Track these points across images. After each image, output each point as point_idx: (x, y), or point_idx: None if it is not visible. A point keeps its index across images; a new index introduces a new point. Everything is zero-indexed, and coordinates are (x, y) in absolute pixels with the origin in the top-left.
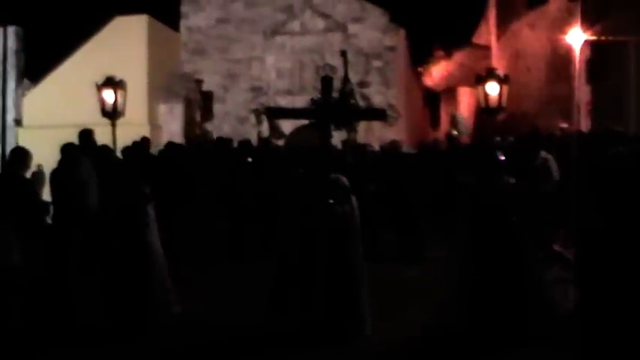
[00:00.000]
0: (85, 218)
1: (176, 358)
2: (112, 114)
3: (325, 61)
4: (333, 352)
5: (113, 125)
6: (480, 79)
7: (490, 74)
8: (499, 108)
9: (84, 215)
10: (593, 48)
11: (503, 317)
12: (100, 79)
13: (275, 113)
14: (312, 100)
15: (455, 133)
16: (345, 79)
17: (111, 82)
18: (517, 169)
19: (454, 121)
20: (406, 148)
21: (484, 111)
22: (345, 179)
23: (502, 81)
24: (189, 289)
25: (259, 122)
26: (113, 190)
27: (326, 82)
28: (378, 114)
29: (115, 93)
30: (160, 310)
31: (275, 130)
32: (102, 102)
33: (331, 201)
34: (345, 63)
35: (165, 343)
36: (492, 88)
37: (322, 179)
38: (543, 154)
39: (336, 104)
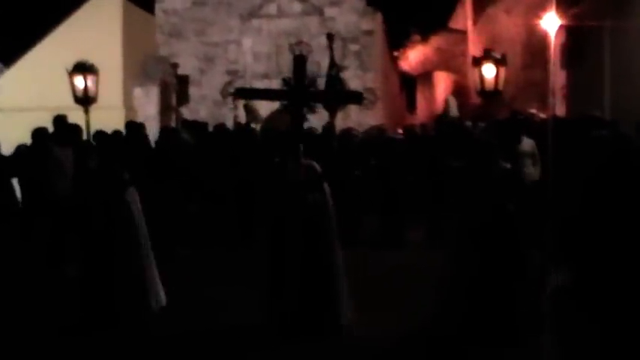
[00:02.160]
0: (53, 206)
1: (148, 352)
2: (85, 100)
3: (310, 47)
4: (311, 345)
5: (86, 112)
6: (476, 61)
7: (486, 55)
8: (496, 91)
9: (51, 203)
10: (569, 33)
11: (499, 316)
12: (73, 65)
13: (245, 94)
14: (283, 80)
15: (444, 116)
16: (332, 63)
17: (81, 68)
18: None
19: (447, 106)
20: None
21: (480, 94)
22: (317, 165)
23: (499, 62)
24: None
25: (236, 106)
26: (86, 177)
27: (299, 61)
28: (353, 97)
29: (85, 79)
30: (136, 304)
31: (252, 115)
32: (73, 88)
33: (301, 189)
34: (331, 47)
35: (139, 336)
36: (489, 70)
37: (294, 165)
38: (526, 139)
39: (309, 86)
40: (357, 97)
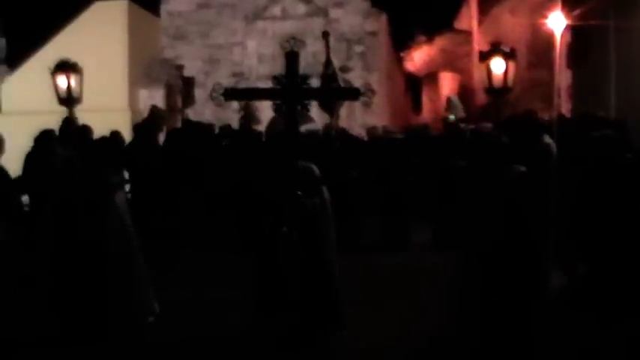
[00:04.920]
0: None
1: None
2: (68, 100)
3: (303, 44)
4: (312, 352)
5: (70, 112)
6: (483, 56)
7: (495, 49)
8: (505, 88)
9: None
10: (574, 33)
11: (512, 326)
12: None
13: (233, 94)
14: (274, 78)
15: (451, 117)
16: (328, 62)
17: (64, 67)
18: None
19: (450, 105)
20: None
21: (488, 91)
22: (315, 168)
23: (509, 57)
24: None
25: (217, 105)
26: (69, 180)
27: (291, 57)
28: (350, 93)
29: (68, 78)
30: (125, 314)
31: (250, 116)
32: (56, 88)
33: (299, 193)
34: (327, 45)
35: (131, 348)
36: (497, 66)
37: (289, 169)
38: (546, 138)
39: (303, 82)
40: (353, 93)
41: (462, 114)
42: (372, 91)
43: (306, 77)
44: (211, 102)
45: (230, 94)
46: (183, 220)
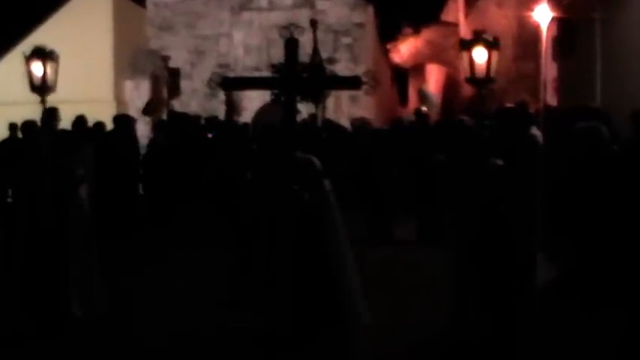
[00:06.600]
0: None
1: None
2: (42, 89)
3: (293, 35)
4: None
5: (43, 101)
6: (465, 45)
7: (477, 38)
8: (487, 78)
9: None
10: (560, 25)
11: (494, 324)
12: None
13: (232, 84)
14: (273, 66)
15: (424, 109)
16: (314, 51)
17: (40, 54)
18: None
19: (422, 97)
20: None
21: (470, 81)
22: (317, 161)
23: (491, 46)
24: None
25: (213, 95)
26: (35, 174)
27: (291, 45)
28: (350, 82)
29: (45, 65)
30: (80, 307)
31: (232, 107)
32: (30, 75)
33: (295, 187)
34: (315, 33)
35: (82, 345)
36: (480, 55)
37: (287, 160)
38: (533, 130)
39: (303, 71)
40: (354, 82)
41: (434, 103)
42: (375, 79)
43: (305, 66)
44: (197, 93)
45: (228, 83)
46: (169, 212)
